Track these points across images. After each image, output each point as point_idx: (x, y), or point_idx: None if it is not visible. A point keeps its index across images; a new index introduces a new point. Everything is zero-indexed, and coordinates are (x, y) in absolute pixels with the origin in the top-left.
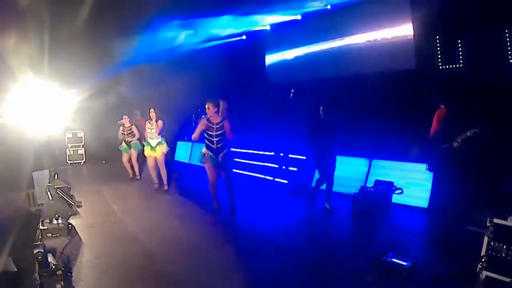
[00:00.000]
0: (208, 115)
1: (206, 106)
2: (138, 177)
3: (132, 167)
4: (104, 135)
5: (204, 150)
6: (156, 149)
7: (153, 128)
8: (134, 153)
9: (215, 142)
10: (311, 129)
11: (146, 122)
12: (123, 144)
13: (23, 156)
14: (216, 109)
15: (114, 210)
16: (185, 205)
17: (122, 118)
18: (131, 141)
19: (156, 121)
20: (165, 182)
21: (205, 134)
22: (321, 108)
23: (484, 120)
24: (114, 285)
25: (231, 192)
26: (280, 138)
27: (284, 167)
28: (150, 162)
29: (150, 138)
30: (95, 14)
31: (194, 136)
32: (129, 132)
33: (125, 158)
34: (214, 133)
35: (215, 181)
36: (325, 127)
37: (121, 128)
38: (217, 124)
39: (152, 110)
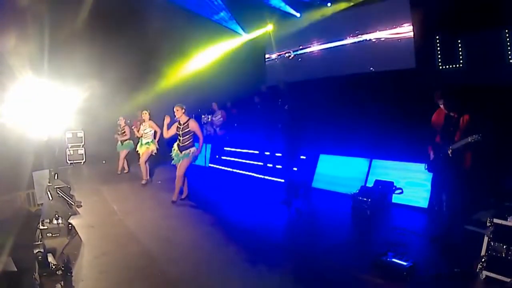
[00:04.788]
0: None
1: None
2: (126, 171)
3: (123, 164)
4: (104, 135)
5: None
6: (143, 147)
7: (146, 129)
8: (125, 152)
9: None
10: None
11: (141, 123)
12: (118, 143)
13: (23, 156)
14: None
15: (114, 210)
16: (185, 205)
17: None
18: (125, 140)
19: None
20: (145, 177)
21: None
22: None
23: (486, 125)
24: (114, 285)
25: None
26: (279, 138)
27: (282, 167)
28: (141, 158)
29: (143, 137)
30: (94, 13)
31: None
32: (122, 132)
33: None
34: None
35: None
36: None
37: (118, 128)
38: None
39: (144, 112)
